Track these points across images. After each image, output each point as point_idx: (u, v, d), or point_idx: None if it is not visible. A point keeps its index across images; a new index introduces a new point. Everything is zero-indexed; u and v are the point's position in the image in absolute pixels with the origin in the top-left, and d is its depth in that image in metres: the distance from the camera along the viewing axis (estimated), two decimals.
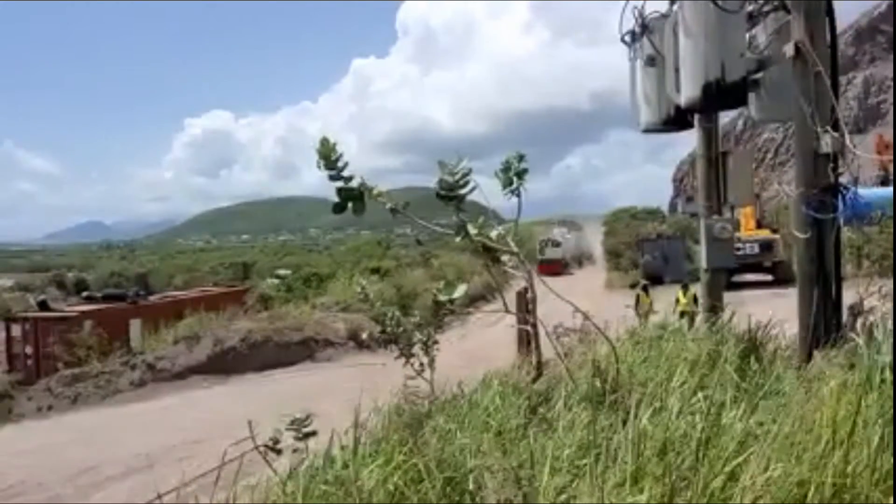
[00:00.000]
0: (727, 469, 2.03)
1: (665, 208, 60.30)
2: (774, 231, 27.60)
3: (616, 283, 30.35)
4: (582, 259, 43.50)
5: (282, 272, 38.43)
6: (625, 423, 3.13)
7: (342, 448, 3.50)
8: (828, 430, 2.18)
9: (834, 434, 2.14)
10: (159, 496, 4.27)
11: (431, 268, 28.84)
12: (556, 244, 40.77)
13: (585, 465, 2.49)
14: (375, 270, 28.77)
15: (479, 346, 13.60)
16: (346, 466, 3.37)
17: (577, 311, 4.67)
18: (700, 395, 3.07)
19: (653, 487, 2.20)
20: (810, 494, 2.00)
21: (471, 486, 2.64)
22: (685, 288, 14.04)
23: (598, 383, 3.71)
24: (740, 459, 2.08)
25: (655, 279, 25.06)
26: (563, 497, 2.23)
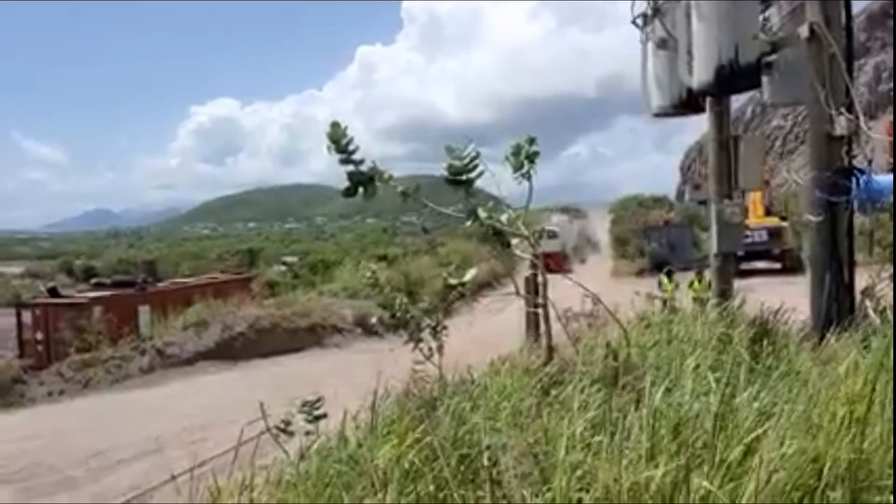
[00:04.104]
0: (745, 441, 2.04)
1: (672, 196, 59.89)
2: (783, 219, 27.47)
3: (623, 271, 30.28)
4: (585, 251, 39.63)
5: (288, 259, 38.53)
6: (637, 403, 3.16)
7: (356, 428, 3.54)
8: (843, 408, 2.19)
9: (851, 412, 2.15)
10: (173, 477, 4.31)
11: (438, 255, 28.85)
12: (553, 235, 34.05)
13: (599, 442, 2.52)
14: (382, 258, 28.83)
15: (486, 333, 13.62)
16: (360, 446, 3.40)
17: (588, 293, 4.70)
18: (712, 375, 3.08)
19: (668, 464, 2.22)
20: (825, 470, 2.01)
21: (486, 464, 2.66)
22: (699, 274, 14.06)
23: (611, 363, 3.73)
24: (756, 434, 2.09)
25: (661, 267, 24.94)
26: (578, 472, 2.25)
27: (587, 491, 2.07)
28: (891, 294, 4.84)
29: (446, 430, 3.13)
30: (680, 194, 62.36)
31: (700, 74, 5.28)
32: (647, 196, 54.26)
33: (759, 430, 2.12)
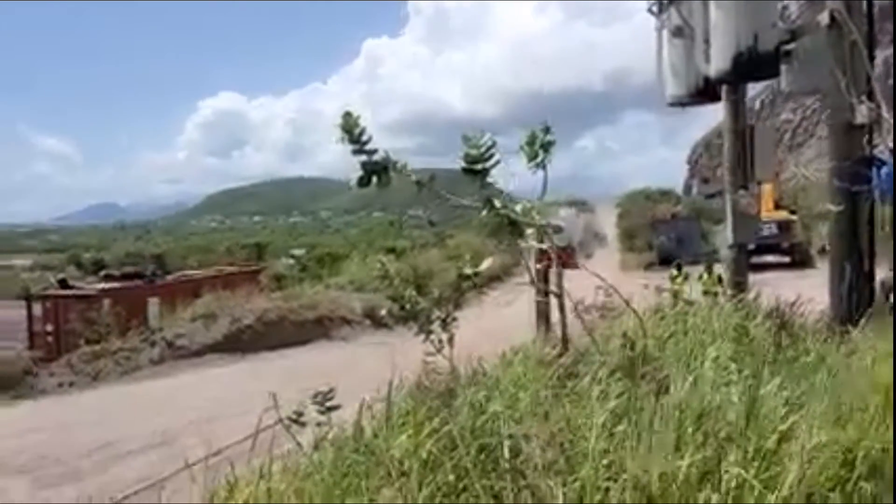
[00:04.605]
0: (781, 430, 1.99)
1: (679, 190, 59.49)
2: (792, 212, 27.33)
3: (630, 264, 30.16)
4: (591, 245, 40.14)
5: (296, 252, 38.52)
6: (657, 394, 3.12)
7: (373, 418, 3.51)
8: (876, 397, 2.14)
9: (886, 400, 2.10)
10: (187, 465, 4.30)
11: (446, 248, 28.83)
12: (558, 229, 35.51)
13: (623, 432, 2.48)
14: (391, 250, 28.83)
15: (496, 326, 13.59)
16: (375, 436, 3.37)
17: (604, 283, 4.66)
18: (734, 366, 3.04)
19: (694, 454, 2.18)
20: (859, 459, 1.97)
21: (507, 454, 2.63)
22: (709, 268, 14.00)
23: (629, 353, 3.69)
24: (790, 423, 2.04)
25: (670, 260, 24.81)
26: (604, 462, 2.21)
27: (614, 480, 2.04)
28: None
29: (464, 420, 3.10)
30: (687, 188, 62.00)
31: (718, 62, 5.20)
32: (655, 190, 53.93)
33: (791, 420, 2.07)
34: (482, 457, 2.79)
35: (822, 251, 27.69)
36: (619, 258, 33.53)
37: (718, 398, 2.88)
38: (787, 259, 25.59)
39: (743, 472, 1.86)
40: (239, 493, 2.93)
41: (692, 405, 2.58)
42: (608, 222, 45.34)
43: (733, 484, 1.85)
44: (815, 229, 29.74)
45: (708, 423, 2.48)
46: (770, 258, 25.21)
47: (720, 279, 13.26)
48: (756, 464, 1.95)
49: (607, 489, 2.03)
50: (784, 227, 26.45)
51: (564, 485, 2.03)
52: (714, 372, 3.17)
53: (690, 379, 3.10)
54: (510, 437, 2.42)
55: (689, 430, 2.35)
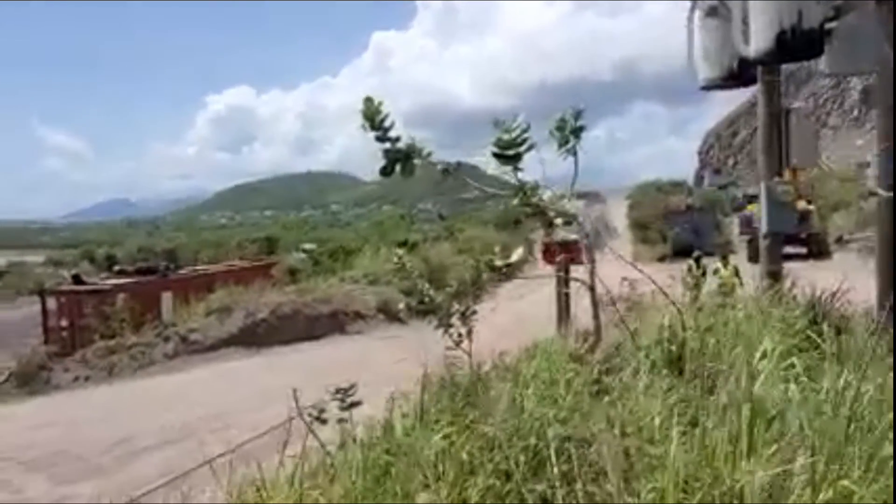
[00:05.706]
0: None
1: (690, 181, 58.96)
2: (809, 202, 26.90)
3: (644, 256, 29.86)
4: (603, 238, 40.10)
5: (308, 246, 38.39)
6: (710, 391, 2.93)
7: (403, 416, 3.35)
8: None
9: None
10: (208, 462, 4.16)
11: (457, 241, 28.69)
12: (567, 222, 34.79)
13: (683, 434, 2.29)
14: (403, 244, 28.69)
15: (513, 319, 13.42)
16: (407, 435, 3.22)
17: (642, 274, 4.49)
18: (795, 360, 2.84)
19: (770, 460, 1.99)
20: None
21: (553, 456, 2.45)
22: (724, 259, 13.70)
23: (669, 347, 3.51)
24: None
25: (685, 252, 24.51)
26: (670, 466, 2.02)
27: (685, 491, 1.84)
28: None
29: (502, 420, 2.93)
30: (699, 179, 61.41)
31: (758, 42, 4.95)
32: (666, 181, 53.43)
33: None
34: (523, 458, 2.61)
35: (839, 241, 27.32)
36: (631, 250, 33.19)
37: (776, 394, 2.69)
38: (804, 250, 25.21)
39: (849, 483, 1.66)
40: (269, 496, 2.78)
41: (757, 404, 2.39)
42: (619, 214, 44.92)
43: (831, 493, 1.65)
44: (831, 220, 29.36)
45: (776, 423, 2.28)
46: (787, 249, 24.78)
47: (737, 271, 13.05)
48: (867, 474, 1.75)
49: (680, 502, 1.83)
50: (802, 217, 26.02)
51: (637, 494, 1.84)
52: (769, 368, 2.97)
53: (745, 375, 2.91)
54: (568, 439, 2.23)
55: (758, 430, 2.16)
